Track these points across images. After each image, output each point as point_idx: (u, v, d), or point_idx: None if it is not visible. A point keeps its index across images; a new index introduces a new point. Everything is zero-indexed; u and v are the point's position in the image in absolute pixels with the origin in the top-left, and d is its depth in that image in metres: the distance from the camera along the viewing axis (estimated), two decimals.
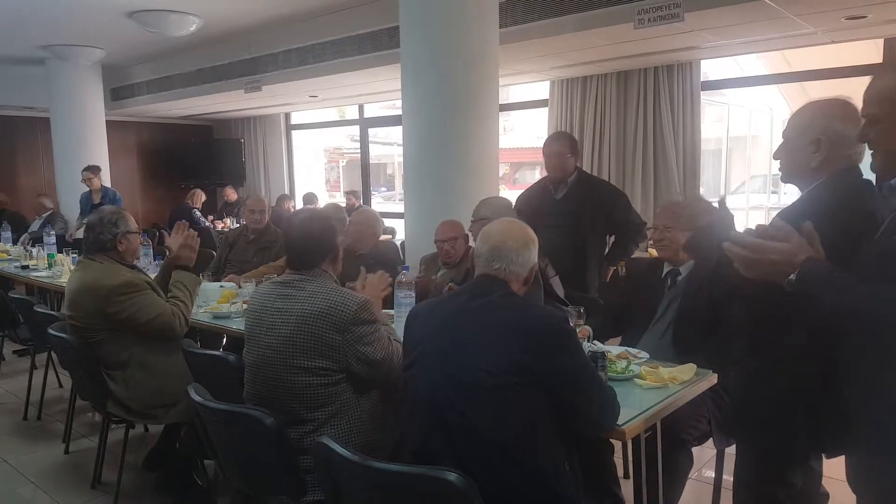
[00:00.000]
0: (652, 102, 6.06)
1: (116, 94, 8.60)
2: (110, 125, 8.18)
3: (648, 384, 2.04)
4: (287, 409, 1.98)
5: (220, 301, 3.32)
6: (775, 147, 1.81)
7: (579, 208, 3.56)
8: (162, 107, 8.59)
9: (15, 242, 6.07)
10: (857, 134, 1.48)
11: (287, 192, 9.57)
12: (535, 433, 1.64)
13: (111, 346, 2.72)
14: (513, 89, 7.74)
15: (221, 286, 3.70)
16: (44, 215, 7.27)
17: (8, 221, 6.78)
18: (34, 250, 5.24)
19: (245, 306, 3.24)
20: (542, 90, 7.14)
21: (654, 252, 4.88)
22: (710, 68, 6.35)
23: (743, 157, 8.77)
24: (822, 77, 5.63)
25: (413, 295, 2.80)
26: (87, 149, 7.64)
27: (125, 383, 2.72)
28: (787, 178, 1.80)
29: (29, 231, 6.93)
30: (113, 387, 2.73)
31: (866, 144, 1.47)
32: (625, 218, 3.67)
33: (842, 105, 1.69)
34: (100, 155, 7.80)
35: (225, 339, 3.62)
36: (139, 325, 2.69)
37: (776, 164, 1.80)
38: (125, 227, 2.82)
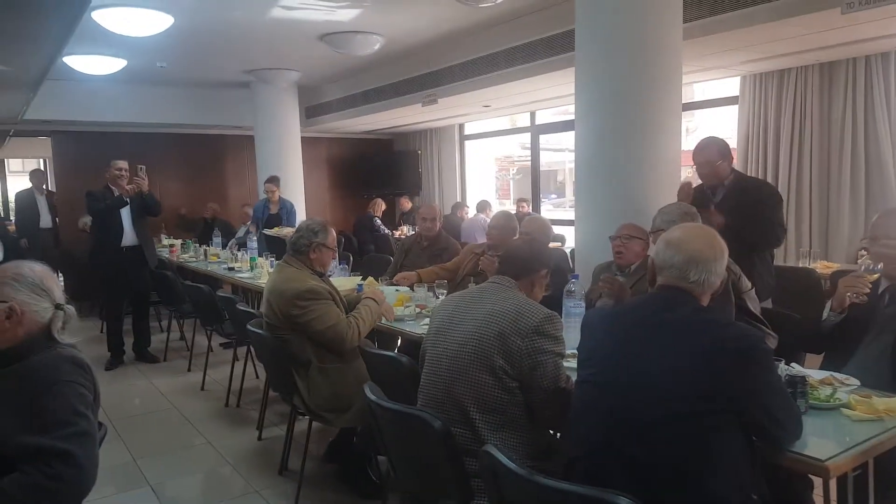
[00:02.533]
0: (863, 96, 5.32)
1: (311, 112, 9.42)
2: (304, 141, 8.96)
3: (859, 416, 1.78)
4: (459, 407, 1.98)
5: (395, 304, 3.45)
6: None
7: (737, 210, 3.26)
8: (348, 123, 9.23)
9: (224, 247, 6.86)
10: None
11: (459, 199, 9.82)
12: (721, 461, 1.49)
13: (296, 346, 2.93)
14: (697, 86, 7.25)
15: (397, 290, 3.85)
16: (248, 223, 8.13)
17: (219, 228, 7.70)
18: (239, 254, 5.89)
19: (419, 310, 3.35)
20: (730, 86, 6.59)
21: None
22: None
23: None
24: None
25: (583, 304, 2.73)
26: (286, 163, 8.42)
27: (306, 383, 2.92)
28: None
29: (235, 237, 7.79)
30: (298, 383, 2.94)
31: None
32: (768, 215, 3.33)
33: None
34: (295, 168, 8.56)
35: (399, 341, 3.76)
36: (314, 332, 2.87)
37: None
38: (323, 238, 3.04)
